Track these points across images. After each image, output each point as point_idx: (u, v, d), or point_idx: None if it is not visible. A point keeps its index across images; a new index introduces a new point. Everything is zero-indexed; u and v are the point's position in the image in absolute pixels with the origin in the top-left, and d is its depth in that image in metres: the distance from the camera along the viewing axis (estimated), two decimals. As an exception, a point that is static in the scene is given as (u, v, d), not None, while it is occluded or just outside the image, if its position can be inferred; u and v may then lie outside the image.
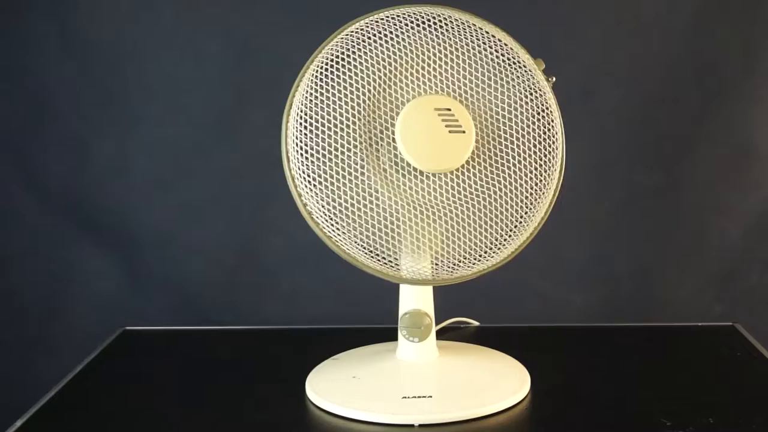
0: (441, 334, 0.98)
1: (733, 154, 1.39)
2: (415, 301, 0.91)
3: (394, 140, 0.81)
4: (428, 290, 0.92)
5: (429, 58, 0.83)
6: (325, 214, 0.82)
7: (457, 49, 0.83)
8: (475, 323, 1.15)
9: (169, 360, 1.06)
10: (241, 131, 1.39)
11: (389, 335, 0.98)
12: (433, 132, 0.81)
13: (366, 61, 0.82)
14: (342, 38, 0.83)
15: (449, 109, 0.82)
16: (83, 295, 1.44)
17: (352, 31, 0.84)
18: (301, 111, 0.82)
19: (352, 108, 0.81)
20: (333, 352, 0.99)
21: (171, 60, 1.39)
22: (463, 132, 0.82)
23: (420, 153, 0.81)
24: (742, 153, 1.39)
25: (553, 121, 0.85)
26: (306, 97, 0.82)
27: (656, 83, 1.37)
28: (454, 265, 0.84)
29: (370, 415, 0.84)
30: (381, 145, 0.82)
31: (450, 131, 0.81)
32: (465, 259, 0.84)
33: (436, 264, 0.84)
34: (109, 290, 1.43)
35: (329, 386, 0.91)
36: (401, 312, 0.92)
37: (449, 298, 0.98)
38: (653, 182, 1.40)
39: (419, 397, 0.87)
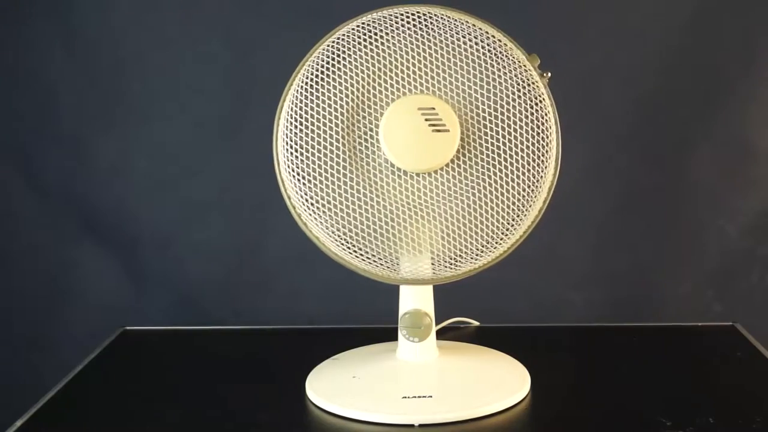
0: (441, 334, 0.98)
1: (733, 154, 1.38)
2: (415, 301, 0.91)
3: (378, 142, 0.82)
4: (428, 290, 0.92)
5: (414, 57, 0.83)
6: (313, 213, 0.83)
7: (442, 48, 0.83)
8: (475, 323, 1.15)
9: (169, 360, 1.07)
10: (241, 131, 1.39)
11: (389, 335, 0.98)
12: (417, 132, 0.81)
13: (351, 63, 0.83)
14: (334, 41, 0.84)
15: (433, 108, 0.82)
16: (83, 295, 1.44)
17: (343, 34, 0.84)
18: (292, 112, 0.83)
19: (336, 110, 0.82)
20: (333, 352, 0.99)
21: (171, 60, 1.39)
22: (448, 131, 0.81)
23: (404, 153, 0.81)
24: (742, 153, 1.39)
25: (546, 115, 0.84)
26: (295, 101, 0.83)
27: (656, 83, 1.37)
28: (449, 263, 0.85)
29: (370, 415, 0.84)
30: (365, 146, 0.82)
31: (434, 130, 0.81)
32: (460, 257, 0.84)
33: (432, 263, 0.84)
34: (109, 290, 1.43)
35: (329, 386, 0.91)
36: (401, 312, 0.92)
37: (449, 298, 0.98)
38: (653, 182, 1.40)
39: (419, 397, 0.87)
